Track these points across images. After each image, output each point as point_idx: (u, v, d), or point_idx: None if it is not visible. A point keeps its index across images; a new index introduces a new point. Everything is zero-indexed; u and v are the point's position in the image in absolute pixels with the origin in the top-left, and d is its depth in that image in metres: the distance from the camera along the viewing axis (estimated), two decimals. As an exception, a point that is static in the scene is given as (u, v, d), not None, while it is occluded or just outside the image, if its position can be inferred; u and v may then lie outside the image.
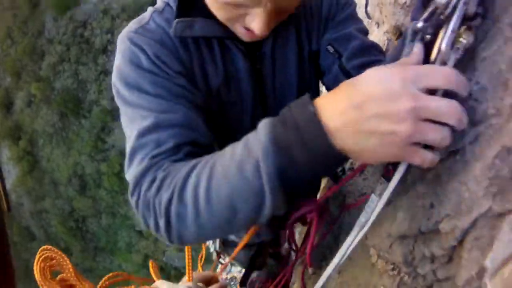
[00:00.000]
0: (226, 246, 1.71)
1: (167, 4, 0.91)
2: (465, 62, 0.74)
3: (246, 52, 1.04)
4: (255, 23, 0.81)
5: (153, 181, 0.69)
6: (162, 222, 0.67)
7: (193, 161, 0.70)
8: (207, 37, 0.98)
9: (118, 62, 0.82)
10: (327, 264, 0.83)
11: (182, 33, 0.91)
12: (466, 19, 0.64)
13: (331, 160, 0.57)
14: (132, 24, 0.88)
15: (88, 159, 13.75)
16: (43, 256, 0.78)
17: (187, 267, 0.94)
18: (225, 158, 0.64)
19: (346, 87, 0.55)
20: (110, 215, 13.73)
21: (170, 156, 0.74)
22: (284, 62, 1.16)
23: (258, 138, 0.58)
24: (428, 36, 0.63)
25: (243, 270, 1.89)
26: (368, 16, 1.78)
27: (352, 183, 1.46)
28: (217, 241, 1.75)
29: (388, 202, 0.83)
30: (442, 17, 0.63)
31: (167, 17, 0.90)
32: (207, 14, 0.86)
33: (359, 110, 0.52)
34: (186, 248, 0.97)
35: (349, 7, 1.16)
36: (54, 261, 0.78)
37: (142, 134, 0.78)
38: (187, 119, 0.81)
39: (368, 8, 1.75)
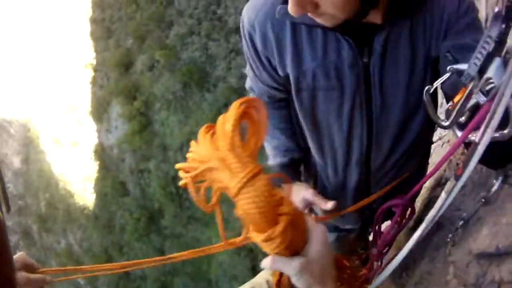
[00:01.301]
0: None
1: None
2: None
3: (355, 45, 1.14)
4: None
5: None
6: None
7: None
8: (309, 25, 1.15)
9: None
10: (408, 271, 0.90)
11: (283, 17, 1.14)
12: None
13: None
14: None
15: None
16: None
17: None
18: None
19: None
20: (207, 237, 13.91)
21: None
22: (395, 61, 1.19)
23: None
24: None
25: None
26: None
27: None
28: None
29: (478, 219, 0.92)
30: None
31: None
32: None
33: None
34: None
35: (471, 13, 1.15)
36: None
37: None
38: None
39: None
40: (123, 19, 17.05)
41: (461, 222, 0.96)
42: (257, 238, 0.75)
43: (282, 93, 1.43)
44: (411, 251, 1.00)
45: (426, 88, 0.99)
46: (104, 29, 18.06)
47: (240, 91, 12.92)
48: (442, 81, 0.96)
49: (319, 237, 0.79)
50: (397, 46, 1.17)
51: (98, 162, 19.10)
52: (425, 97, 0.99)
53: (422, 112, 1.30)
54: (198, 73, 13.90)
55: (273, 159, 1.55)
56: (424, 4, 1.15)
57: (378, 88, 1.24)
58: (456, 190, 0.84)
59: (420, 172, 1.56)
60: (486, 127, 0.81)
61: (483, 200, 0.90)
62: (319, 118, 1.36)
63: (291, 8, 0.98)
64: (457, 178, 0.84)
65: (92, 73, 18.87)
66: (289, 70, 1.25)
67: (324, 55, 1.19)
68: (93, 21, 18.47)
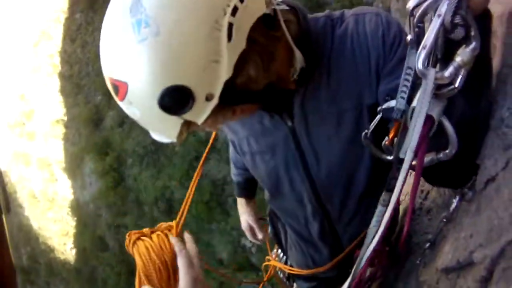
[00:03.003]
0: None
1: None
2: (496, 86, 0.84)
3: (274, 113, 1.18)
4: None
5: None
6: None
7: None
8: None
9: None
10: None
11: None
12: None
13: None
14: None
15: (178, 185, 14.01)
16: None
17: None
18: None
19: None
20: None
21: None
22: (320, 117, 1.23)
23: None
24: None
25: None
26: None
27: (418, 222, 1.47)
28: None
29: (442, 238, 0.95)
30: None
31: None
32: None
33: None
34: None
35: (398, 47, 1.15)
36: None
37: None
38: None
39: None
40: (91, 75, 17.20)
41: (427, 244, 0.98)
42: None
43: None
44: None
45: (364, 133, 1.06)
46: (73, 84, 18.15)
47: (207, 144, 13.11)
48: (375, 123, 1.02)
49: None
50: (318, 104, 1.22)
51: (75, 218, 18.94)
52: (363, 141, 1.05)
53: (367, 157, 1.33)
54: (167, 128, 14.03)
55: (234, 177, 1.95)
56: (338, 59, 1.16)
57: (308, 146, 1.31)
58: (389, 210, 0.91)
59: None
60: (399, 147, 0.89)
61: (444, 220, 0.92)
62: (264, 178, 1.47)
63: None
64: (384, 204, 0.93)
65: (63, 129, 18.86)
66: (232, 136, 1.46)
67: (251, 126, 1.33)
68: (62, 76, 18.55)
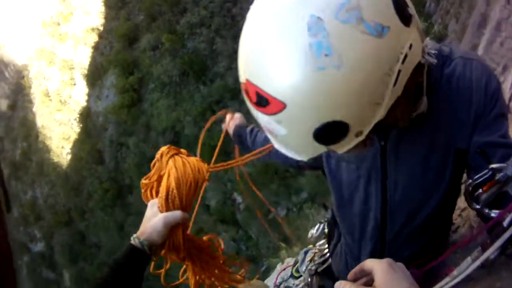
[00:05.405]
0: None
1: None
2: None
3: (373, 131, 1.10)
4: None
5: None
6: None
7: None
8: None
9: None
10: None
11: None
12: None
13: None
14: None
15: (191, 122, 13.92)
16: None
17: None
18: None
19: None
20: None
21: None
22: (412, 145, 1.24)
23: None
24: None
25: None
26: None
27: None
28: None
29: (470, 279, 0.98)
30: None
31: None
32: None
33: None
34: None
35: (497, 101, 1.17)
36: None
37: None
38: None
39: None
40: (139, -7, 17.04)
41: (450, 279, 1.03)
42: None
43: None
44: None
45: (468, 182, 1.08)
46: (118, -1, 18.08)
47: (234, 92, 13.05)
48: (481, 176, 1.06)
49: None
50: (413, 135, 1.24)
51: (81, 125, 19.15)
52: (464, 189, 1.09)
53: (439, 194, 1.34)
54: (198, 65, 13.99)
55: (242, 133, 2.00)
56: (442, 97, 1.19)
57: (392, 168, 1.32)
58: (480, 259, 0.95)
59: (439, 240, 1.58)
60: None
61: (479, 263, 0.98)
62: (342, 185, 1.49)
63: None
64: (484, 249, 0.96)
65: (96, 38, 18.90)
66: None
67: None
68: (110, -12, 18.49)
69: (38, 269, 20.91)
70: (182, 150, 1.37)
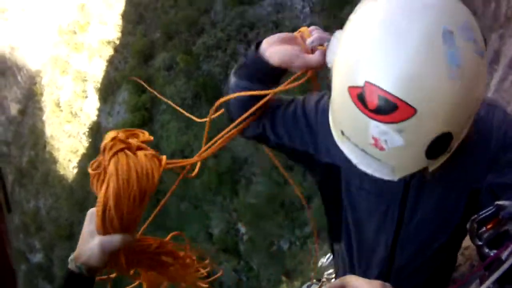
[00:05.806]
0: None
1: None
2: None
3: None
4: None
5: None
6: None
7: None
8: None
9: None
10: None
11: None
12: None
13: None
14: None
15: (200, 147, 13.88)
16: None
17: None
18: None
19: None
20: (192, 207, 13.95)
21: None
22: (434, 184, 1.30)
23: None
24: None
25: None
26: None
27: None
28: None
29: None
30: None
31: None
32: None
33: None
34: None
35: None
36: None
37: None
38: None
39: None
40: (158, 10, 16.98)
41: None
42: None
43: (271, 142, 1.51)
44: None
45: (473, 217, 1.07)
46: (137, 13, 17.97)
47: (246, 120, 12.92)
48: (485, 212, 1.06)
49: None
50: (438, 173, 1.23)
51: (90, 140, 18.93)
52: (468, 225, 1.08)
53: (449, 231, 1.40)
54: (212, 88, 13.77)
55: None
56: (461, 142, 1.19)
57: (412, 204, 1.35)
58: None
59: (443, 276, 1.65)
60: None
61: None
62: (360, 213, 1.50)
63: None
64: (482, 281, 0.96)
65: (111, 52, 18.74)
66: (340, 162, 1.36)
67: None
68: (129, 2, 18.39)
69: (35, 280, 20.65)
70: (135, 138, 1.09)
